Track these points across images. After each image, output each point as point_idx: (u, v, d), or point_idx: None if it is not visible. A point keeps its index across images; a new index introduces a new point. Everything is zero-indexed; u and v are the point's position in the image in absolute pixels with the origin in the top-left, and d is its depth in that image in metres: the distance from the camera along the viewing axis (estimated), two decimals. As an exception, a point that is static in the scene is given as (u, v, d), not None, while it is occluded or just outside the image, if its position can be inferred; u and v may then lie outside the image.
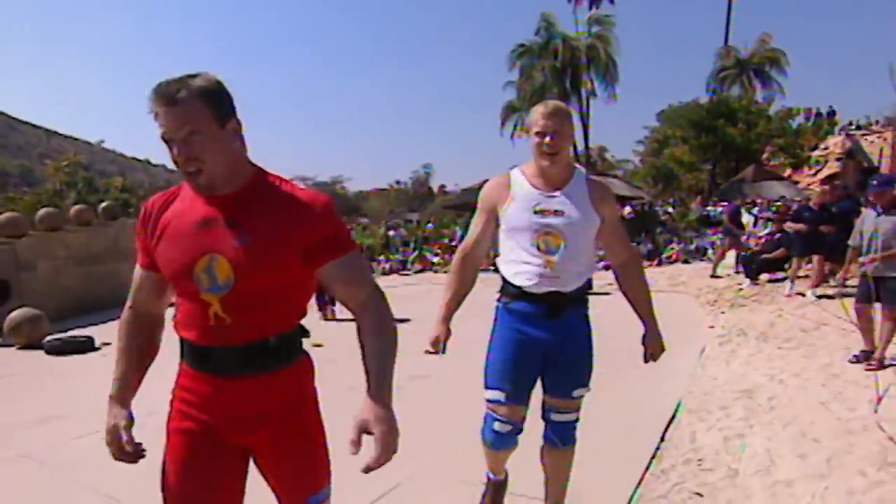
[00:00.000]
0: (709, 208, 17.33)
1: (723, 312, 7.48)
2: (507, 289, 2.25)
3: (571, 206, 2.16)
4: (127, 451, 1.50)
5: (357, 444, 1.31)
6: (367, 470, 1.32)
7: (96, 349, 6.97)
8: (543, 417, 2.31)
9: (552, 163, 2.15)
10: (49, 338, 7.08)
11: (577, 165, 2.31)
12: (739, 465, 3.04)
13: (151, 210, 1.52)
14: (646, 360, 2.41)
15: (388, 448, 1.33)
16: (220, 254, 1.38)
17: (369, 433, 1.32)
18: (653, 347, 2.38)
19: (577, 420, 2.32)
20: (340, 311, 9.02)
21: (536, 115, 2.16)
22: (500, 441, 2.27)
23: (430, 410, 3.96)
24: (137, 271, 1.57)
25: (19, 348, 7.33)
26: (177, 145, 1.34)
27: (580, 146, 30.74)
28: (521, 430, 2.28)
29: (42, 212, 10.75)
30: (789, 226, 8.43)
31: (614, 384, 4.57)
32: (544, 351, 2.21)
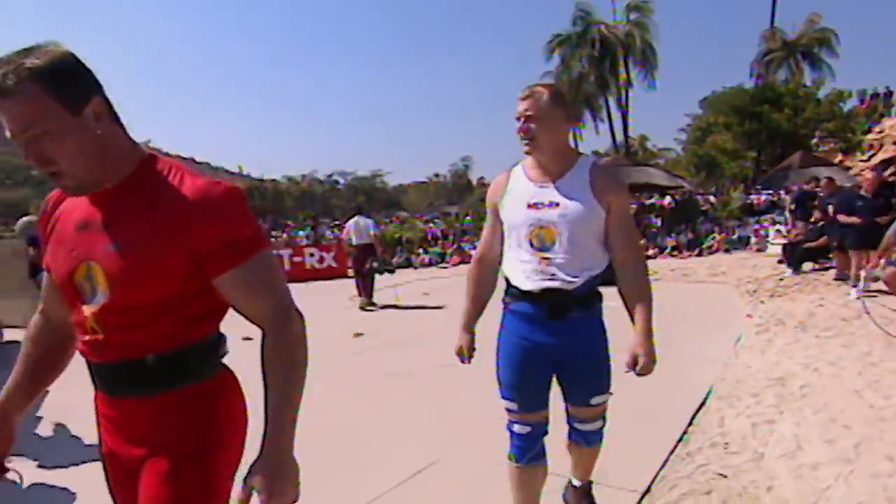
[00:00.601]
0: (752, 197, 16.91)
1: (762, 302, 7.38)
2: (510, 289, 2.14)
3: (568, 197, 2.00)
4: None
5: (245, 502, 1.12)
6: None
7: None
8: (567, 422, 2.21)
9: (531, 149, 2.03)
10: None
11: (584, 152, 2.16)
12: (765, 449, 3.08)
13: (47, 206, 1.31)
14: (627, 370, 2.10)
15: (278, 499, 1.14)
16: (95, 261, 1.17)
17: (255, 489, 1.13)
18: (642, 359, 2.07)
19: (602, 427, 2.21)
20: (378, 297, 9.25)
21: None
22: (524, 446, 2.14)
23: (460, 396, 4.10)
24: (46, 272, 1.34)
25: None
26: (22, 146, 1.09)
27: (619, 135, 30.32)
28: (545, 432, 2.17)
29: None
30: (843, 218, 7.56)
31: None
32: (553, 356, 2.08)
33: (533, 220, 2.03)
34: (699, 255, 13.09)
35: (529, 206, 2.04)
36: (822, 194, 9.51)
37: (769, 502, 2.59)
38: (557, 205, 2.01)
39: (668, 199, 17.76)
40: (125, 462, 1.27)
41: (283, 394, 1.19)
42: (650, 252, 13.65)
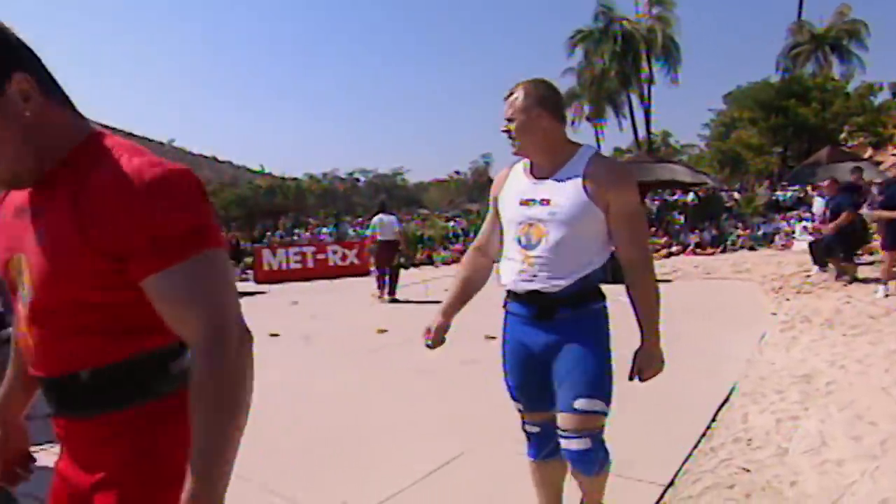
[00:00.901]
0: (778, 193, 16.68)
1: (787, 299, 7.31)
2: (507, 289, 2.09)
3: (559, 194, 1.90)
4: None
5: None
6: None
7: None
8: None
9: (516, 150, 1.99)
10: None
11: (583, 143, 2.02)
12: (789, 445, 3.09)
13: None
14: (630, 378, 2.03)
15: None
16: (23, 253, 1.02)
17: None
18: (645, 364, 2.01)
19: (592, 450, 1.92)
20: (402, 293, 9.36)
21: None
22: (537, 443, 2.13)
23: (484, 391, 4.16)
24: None
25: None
26: None
27: (641, 131, 30.05)
28: (550, 437, 2.06)
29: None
30: (880, 214, 7.19)
31: (669, 366, 4.64)
32: (544, 357, 1.99)
33: (523, 218, 1.96)
34: (723, 251, 12.96)
35: (522, 202, 1.98)
36: (825, 195, 9.20)
37: (793, 497, 2.60)
38: (548, 202, 1.91)
39: (691, 195, 17.60)
40: (72, 487, 1.09)
41: (202, 445, 0.92)
42: (673, 249, 13.56)
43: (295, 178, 45.72)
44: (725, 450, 3.10)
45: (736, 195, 17.64)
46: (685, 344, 5.42)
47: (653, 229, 15.26)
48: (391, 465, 3.13)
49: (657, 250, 13.00)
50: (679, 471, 2.88)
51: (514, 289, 2.00)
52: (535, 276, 1.93)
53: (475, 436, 3.42)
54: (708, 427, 3.43)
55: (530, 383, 2.04)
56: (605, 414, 1.94)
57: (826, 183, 9.22)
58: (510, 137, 1.97)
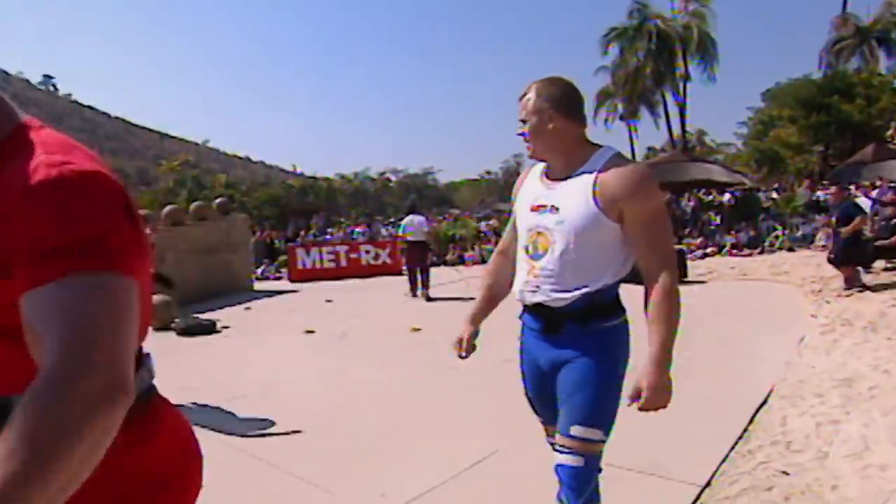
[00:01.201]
0: (818, 193, 16.24)
1: (827, 302, 7.14)
2: None
3: (568, 201, 1.76)
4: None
5: None
6: None
7: (217, 331, 7.75)
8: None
9: (532, 153, 1.88)
10: (178, 320, 7.95)
11: (605, 146, 1.83)
12: (830, 449, 3.05)
13: None
14: (630, 403, 1.76)
15: None
16: None
17: None
18: (651, 395, 1.70)
19: (583, 469, 1.75)
20: (435, 292, 9.43)
21: None
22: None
23: (519, 390, 4.18)
24: None
25: (153, 329, 8.25)
26: None
27: (676, 130, 29.56)
28: None
29: (167, 209, 11.94)
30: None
31: (704, 367, 4.60)
32: (553, 374, 1.88)
33: (532, 225, 1.85)
34: (761, 253, 12.68)
35: (533, 208, 1.86)
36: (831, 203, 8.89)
37: (834, 501, 2.57)
38: (557, 210, 1.78)
39: (727, 195, 17.27)
40: None
41: None
42: (708, 249, 13.33)
43: (326, 178, 46.28)
44: (763, 452, 3.08)
45: (774, 195, 17.23)
46: (721, 345, 5.36)
47: (687, 230, 15.03)
48: (428, 461, 3.19)
49: (691, 251, 12.80)
50: (716, 472, 2.87)
51: (521, 300, 1.90)
52: (538, 287, 1.82)
53: (510, 434, 3.45)
54: (745, 429, 3.40)
55: (543, 396, 1.95)
56: (602, 441, 1.79)
57: (833, 190, 8.90)
58: (525, 140, 1.86)
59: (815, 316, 6.43)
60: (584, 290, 1.76)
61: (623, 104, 31.47)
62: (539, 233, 1.82)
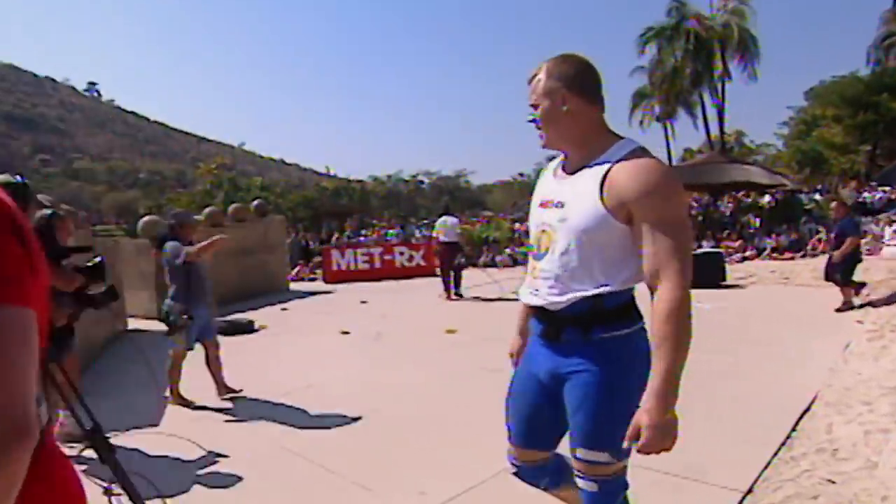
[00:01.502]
0: (865, 194, 15.72)
1: (875, 307, 6.92)
2: None
3: (574, 196, 1.59)
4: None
5: None
6: None
7: (255, 331, 7.90)
8: None
9: (544, 142, 1.67)
10: (216, 320, 8.13)
11: (626, 138, 1.64)
12: (880, 458, 2.96)
13: None
14: (627, 444, 1.51)
15: None
16: None
17: None
18: (653, 436, 1.44)
19: (598, 495, 1.62)
20: (469, 293, 9.45)
21: None
22: (521, 477, 1.91)
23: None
24: None
25: (195, 328, 8.45)
26: None
27: (714, 130, 28.95)
28: (535, 477, 1.86)
29: (207, 210, 12.23)
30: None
31: (746, 371, 4.52)
32: (551, 387, 1.69)
33: (539, 222, 1.70)
34: (803, 256, 12.35)
35: (541, 204, 1.71)
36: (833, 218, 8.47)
37: (883, 511, 2.50)
38: (563, 205, 1.61)
39: (766, 197, 16.85)
40: None
41: None
42: (748, 253, 13.04)
43: (360, 180, 46.68)
44: (808, 459, 3.01)
45: (817, 197, 16.75)
46: (763, 349, 5.25)
47: (726, 232, 14.72)
48: (466, 461, 3.20)
49: (730, 254, 12.53)
50: (758, 478, 2.82)
51: (524, 301, 1.77)
52: (537, 289, 1.67)
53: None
54: (788, 435, 3.33)
55: (525, 409, 1.78)
56: (612, 464, 1.60)
57: (834, 205, 8.46)
58: (537, 128, 1.67)
59: (861, 321, 6.24)
60: (583, 294, 1.57)
61: (660, 104, 30.96)
62: (544, 231, 1.67)
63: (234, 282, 11.14)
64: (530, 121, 1.67)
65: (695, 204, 19.77)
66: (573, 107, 1.59)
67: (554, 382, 1.67)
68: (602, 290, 1.57)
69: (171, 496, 2.64)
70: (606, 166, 1.53)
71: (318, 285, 13.58)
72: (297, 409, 4.35)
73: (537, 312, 1.71)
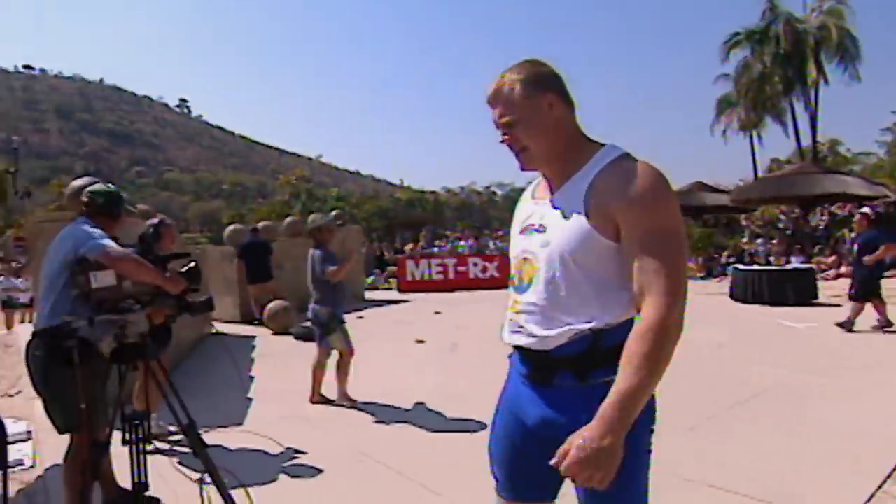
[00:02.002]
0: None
1: None
2: None
3: (558, 216, 1.39)
4: None
5: None
6: None
7: (333, 337, 8.11)
8: None
9: (526, 164, 1.45)
10: (298, 325, 8.42)
11: (609, 144, 1.42)
12: None
13: None
14: (553, 462, 1.26)
15: None
16: None
17: None
18: (588, 461, 1.20)
19: None
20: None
21: None
22: None
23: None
24: None
25: (273, 334, 8.79)
26: None
27: (805, 139, 27.32)
28: None
29: (287, 220, 12.76)
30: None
31: (849, 397, 4.22)
32: (543, 437, 1.41)
33: (518, 250, 1.48)
34: (909, 273, 11.41)
35: (521, 230, 1.50)
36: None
37: None
38: (545, 229, 1.41)
39: (865, 209, 15.72)
40: None
41: None
42: (843, 269, 12.19)
43: (433, 192, 47.28)
44: (918, 495, 2.77)
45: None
46: (864, 373, 4.88)
47: (818, 248, 13.85)
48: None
49: (823, 271, 11.76)
50: (860, 512, 2.62)
51: (506, 341, 1.53)
52: (521, 326, 1.44)
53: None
54: (894, 468, 3.08)
55: (514, 460, 1.55)
56: None
57: (857, 218, 7.97)
58: (514, 150, 1.44)
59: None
60: (575, 330, 1.35)
61: (746, 113, 29.60)
62: (525, 258, 1.45)
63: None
64: (504, 141, 1.45)
65: (783, 217, 18.70)
66: (557, 111, 1.40)
67: (547, 431, 1.40)
68: (598, 324, 1.34)
69: (252, 486, 2.76)
70: (590, 178, 1.35)
71: (393, 294, 13.82)
72: (375, 415, 4.44)
73: (522, 352, 1.48)
